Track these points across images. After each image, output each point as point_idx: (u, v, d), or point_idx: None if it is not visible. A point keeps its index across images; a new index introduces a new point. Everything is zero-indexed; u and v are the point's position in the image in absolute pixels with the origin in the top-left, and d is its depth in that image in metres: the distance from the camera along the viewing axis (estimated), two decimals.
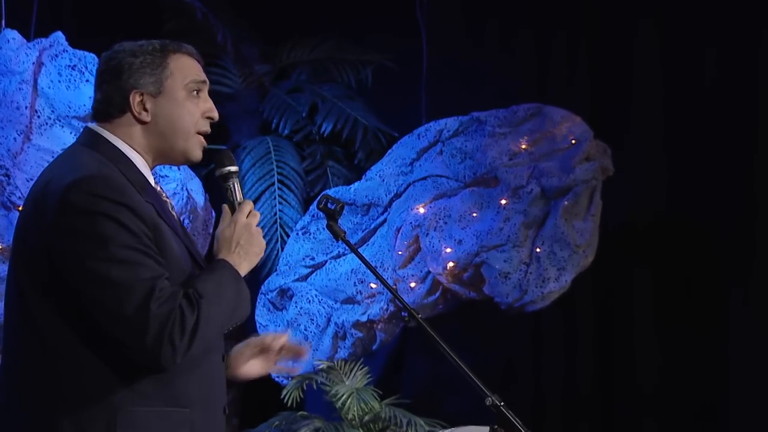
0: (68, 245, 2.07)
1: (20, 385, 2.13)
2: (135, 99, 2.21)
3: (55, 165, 2.23)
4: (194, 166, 4.51)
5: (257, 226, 2.28)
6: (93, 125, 2.24)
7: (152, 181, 2.25)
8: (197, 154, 2.28)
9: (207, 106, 2.27)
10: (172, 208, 2.31)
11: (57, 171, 2.18)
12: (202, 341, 2.11)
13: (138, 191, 2.17)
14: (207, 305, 2.11)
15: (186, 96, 2.24)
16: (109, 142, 2.22)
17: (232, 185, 2.31)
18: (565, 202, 4.35)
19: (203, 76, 2.28)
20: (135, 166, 2.22)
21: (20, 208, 3.97)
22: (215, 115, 2.29)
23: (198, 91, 2.26)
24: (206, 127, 2.28)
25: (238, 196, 2.31)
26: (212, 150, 2.37)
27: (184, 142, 2.25)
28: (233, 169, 2.32)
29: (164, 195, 2.29)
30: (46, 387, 2.10)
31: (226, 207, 2.31)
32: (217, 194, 2.39)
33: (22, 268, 2.15)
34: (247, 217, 2.26)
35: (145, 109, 2.21)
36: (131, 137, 2.23)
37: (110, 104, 2.22)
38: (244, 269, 2.23)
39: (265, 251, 2.31)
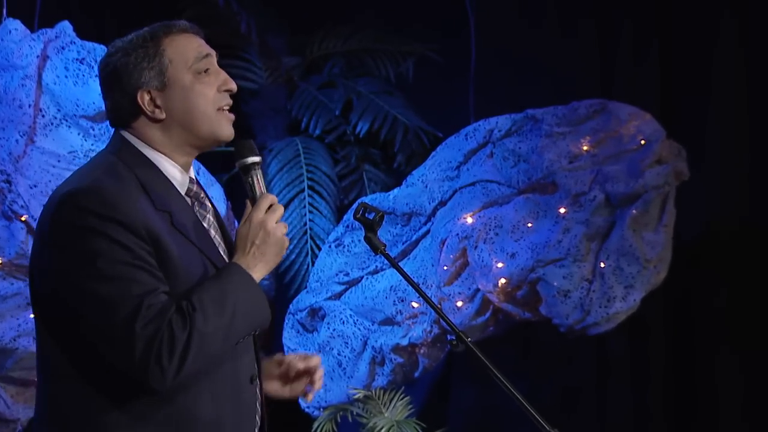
0: (56, 262, 2.21)
1: (37, 405, 2.31)
2: (144, 99, 2.31)
3: (73, 173, 2.36)
4: (215, 171, 4.55)
5: (281, 221, 2.33)
6: (120, 128, 2.36)
7: (183, 185, 2.34)
8: (227, 131, 2.35)
9: (220, 79, 2.35)
10: (213, 212, 2.39)
11: (66, 180, 2.31)
12: (199, 358, 2.18)
13: (152, 200, 2.25)
14: (202, 318, 2.18)
15: (193, 78, 2.32)
16: (133, 146, 2.33)
17: (253, 178, 2.36)
18: (633, 211, 4.32)
19: (206, 49, 2.35)
20: (159, 170, 2.32)
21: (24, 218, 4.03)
22: (232, 86, 2.36)
23: (206, 68, 2.33)
24: (226, 100, 2.35)
25: (259, 190, 2.35)
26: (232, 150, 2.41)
27: (208, 125, 2.33)
28: (254, 159, 2.36)
29: (203, 196, 2.38)
30: (49, 408, 2.27)
31: (248, 203, 2.35)
32: (240, 201, 2.43)
33: (31, 287, 2.30)
34: (266, 212, 2.31)
35: (157, 106, 2.32)
36: (152, 138, 2.33)
37: (121, 110, 2.33)
38: (259, 272, 2.29)
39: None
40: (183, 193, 2.34)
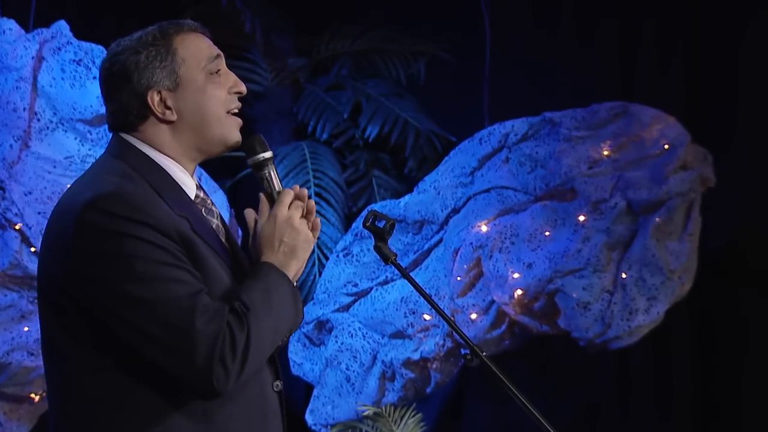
0: (90, 271, 2.16)
1: (57, 425, 2.26)
2: (154, 99, 2.30)
3: (77, 179, 2.34)
4: (218, 178, 4.55)
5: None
6: (121, 132, 2.34)
7: (192, 190, 2.35)
8: (235, 136, 2.36)
9: (231, 81, 2.36)
10: (219, 218, 2.40)
11: (76, 187, 2.28)
12: (255, 360, 2.19)
13: (170, 205, 2.26)
14: (255, 318, 2.19)
15: (206, 79, 2.33)
16: (139, 150, 2.32)
17: (267, 174, 2.36)
18: (657, 219, 4.31)
19: (215, 50, 2.37)
20: (169, 175, 2.32)
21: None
22: (242, 88, 2.37)
23: (218, 69, 2.35)
24: (235, 103, 2.37)
25: (276, 185, 2.35)
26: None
27: (218, 128, 2.34)
28: (267, 155, 2.37)
29: (209, 202, 2.38)
30: (74, 426, 2.22)
31: (263, 197, 2.36)
32: (244, 208, 2.44)
33: (44, 302, 2.25)
34: (288, 208, 2.31)
35: (168, 107, 2.31)
36: (161, 142, 2.32)
37: (128, 112, 2.31)
38: (292, 270, 2.30)
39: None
40: (192, 198, 2.35)
